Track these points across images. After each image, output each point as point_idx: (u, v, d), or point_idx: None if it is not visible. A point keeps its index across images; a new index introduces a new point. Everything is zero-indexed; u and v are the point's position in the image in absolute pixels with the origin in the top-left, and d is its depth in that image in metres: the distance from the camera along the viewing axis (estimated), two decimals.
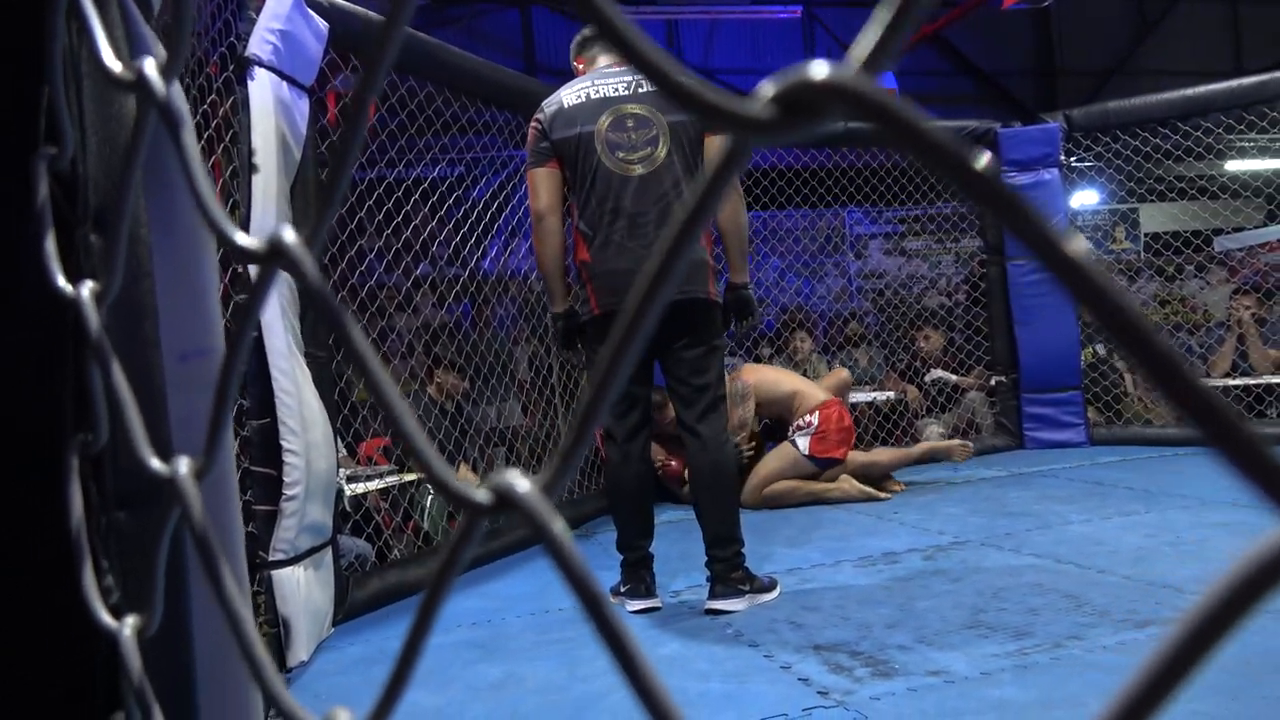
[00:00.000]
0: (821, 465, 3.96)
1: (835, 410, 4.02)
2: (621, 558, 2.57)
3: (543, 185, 2.52)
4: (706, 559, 2.49)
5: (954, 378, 5.46)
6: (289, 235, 0.25)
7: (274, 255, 0.25)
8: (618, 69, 2.56)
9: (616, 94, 2.49)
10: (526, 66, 9.31)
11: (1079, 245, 0.16)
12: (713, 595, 2.46)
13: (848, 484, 3.99)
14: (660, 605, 2.53)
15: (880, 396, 5.28)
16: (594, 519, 4.02)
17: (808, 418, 3.97)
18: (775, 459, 4.00)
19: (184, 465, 0.32)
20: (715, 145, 2.51)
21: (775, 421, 4.28)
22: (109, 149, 0.45)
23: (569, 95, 2.53)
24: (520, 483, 0.22)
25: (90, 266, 0.42)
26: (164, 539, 0.34)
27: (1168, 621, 2.03)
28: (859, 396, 5.21)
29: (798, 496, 3.96)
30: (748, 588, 2.47)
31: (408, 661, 0.25)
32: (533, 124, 2.57)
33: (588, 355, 2.61)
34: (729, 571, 2.45)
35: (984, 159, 0.17)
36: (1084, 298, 0.16)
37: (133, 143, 0.31)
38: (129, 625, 0.37)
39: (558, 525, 0.22)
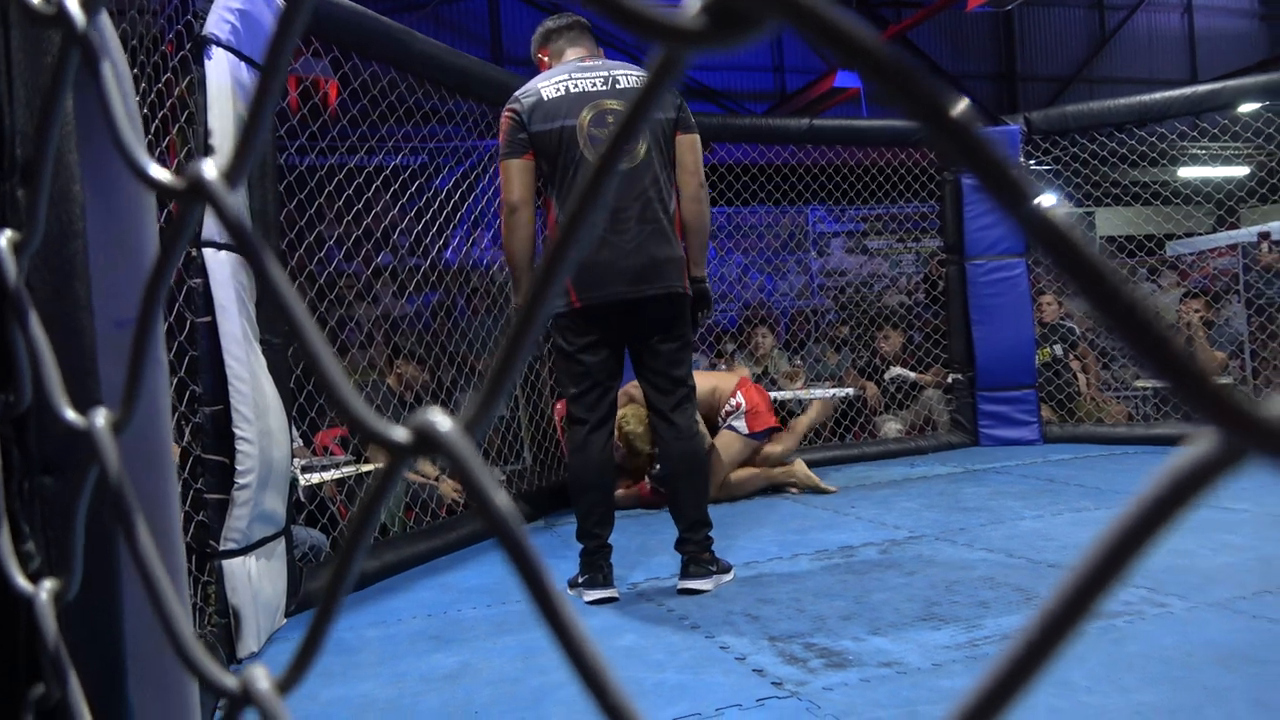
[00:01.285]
0: (764, 437, 4.13)
1: (750, 385, 4.18)
2: (581, 547, 2.57)
3: (518, 176, 2.51)
4: (680, 542, 2.57)
5: (913, 375, 5.52)
6: (210, 171, 0.24)
7: (194, 191, 0.24)
8: (591, 63, 2.57)
9: (596, 89, 2.50)
10: (493, 56, 9.25)
11: (1042, 194, 0.16)
12: (686, 576, 2.55)
13: (799, 467, 4.19)
14: (618, 596, 2.53)
15: (839, 393, 5.33)
16: (553, 513, 4.01)
17: (733, 402, 4.09)
18: (725, 451, 4.08)
19: (101, 417, 0.31)
20: (687, 143, 2.57)
21: (703, 419, 4.38)
22: (40, 99, 0.43)
23: (548, 88, 2.52)
24: (442, 421, 0.22)
25: (16, 221, 0.41)
26: (82, 496, 0.32)
27: (1115, 615, 2.07)
28: (817, 392, 5.24)
29: (757, 483, 4.14)
30: (715, 568, 2.58)
31: (328, 608, 0.24)
32: (508, 114, 2.54)
33: (559, 347, 2.60)
34: (701, 553, 2.55)
35: (960, 103, 0.16)
36: (1040, 238, 0.16)
37: (54, 80, 0.30)
38: (45, 589, 0.36)
39: (480, 464, 0.21)
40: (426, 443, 0.21)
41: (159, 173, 0.26)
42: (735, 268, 5.92)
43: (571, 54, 2.65)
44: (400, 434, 0.22)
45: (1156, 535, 0.16)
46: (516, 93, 2.58)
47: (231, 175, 0.23)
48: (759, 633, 2.15)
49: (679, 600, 2.48)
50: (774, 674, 1.88)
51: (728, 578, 2.63)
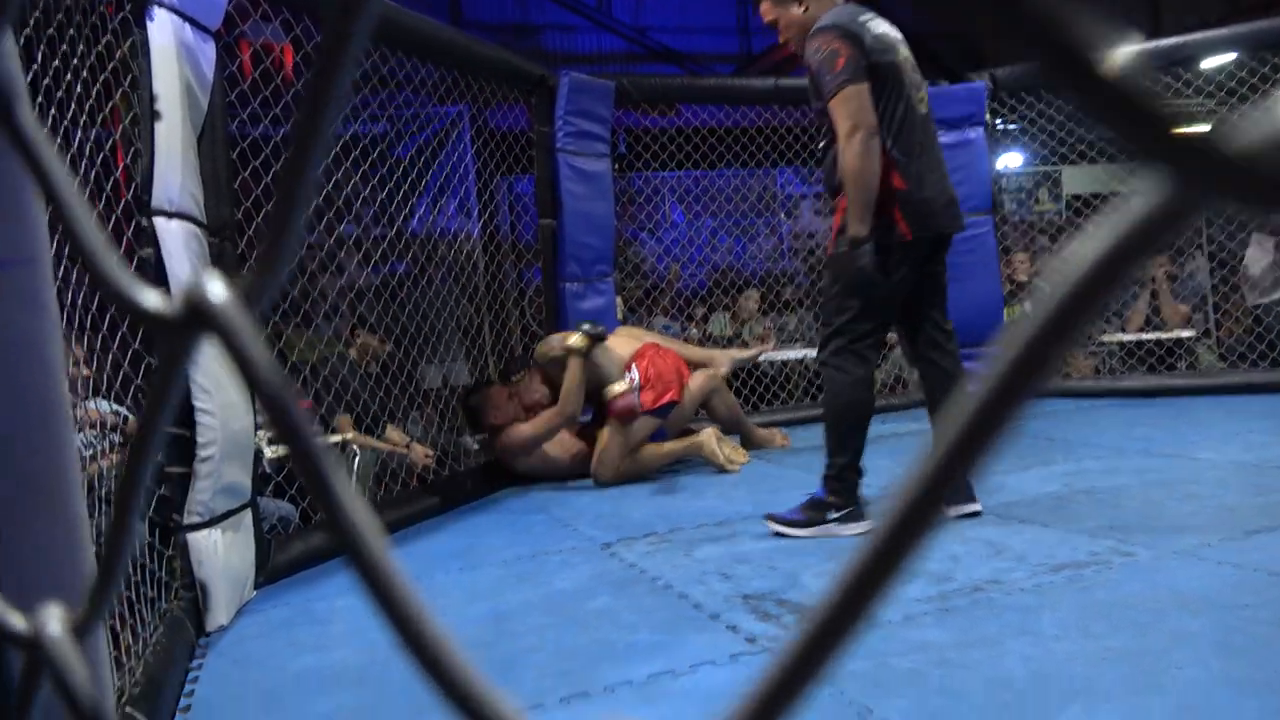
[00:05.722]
0: (663, 413, 3.71)
1: (647, 357, 3.74)
2: (844, 480, 2.56)
3: (868, 101, 2.48)
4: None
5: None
6: (217, 291, 0.18)
7: (195, 320, 0.18)
8: (869, 11, 2.61)
9: (897, 35, 2.62)
10: (451, 19, 9.07)
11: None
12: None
13: (705, 439, 3.76)
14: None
15: (811, 354, 5.33)
16: (495, 491, 3.94)
17: (628, 376, 3.67)
18: (615, 431, 3.65)
19: None
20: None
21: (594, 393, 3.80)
22: None
23: (870, 21, 2.56)
24: (215, 288, 0.17)
25: None
26: None
27: (1083, 565, 2.09)
28: (789, 354, 5.25)
29: (662, 460, 3.75)
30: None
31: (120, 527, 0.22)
32: (844, 40, 2.47)
33: (868, 278, 2.50)
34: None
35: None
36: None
37: None
38: None
39: (257, 343, 0.17)
40: (198, 317, 0.17)
41: (148, 298, 0.20)
42: (704, 231, 5.88)
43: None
44: (157, 302, 0.18)
45: (1092, 311, 0.14)
46: (838, 21, 2.51)
47: (254, 293, 0.18)
48: (732, 591, 2.15)
49: (652, 560, 2.47)
50: (747, 630, 1.88)
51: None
